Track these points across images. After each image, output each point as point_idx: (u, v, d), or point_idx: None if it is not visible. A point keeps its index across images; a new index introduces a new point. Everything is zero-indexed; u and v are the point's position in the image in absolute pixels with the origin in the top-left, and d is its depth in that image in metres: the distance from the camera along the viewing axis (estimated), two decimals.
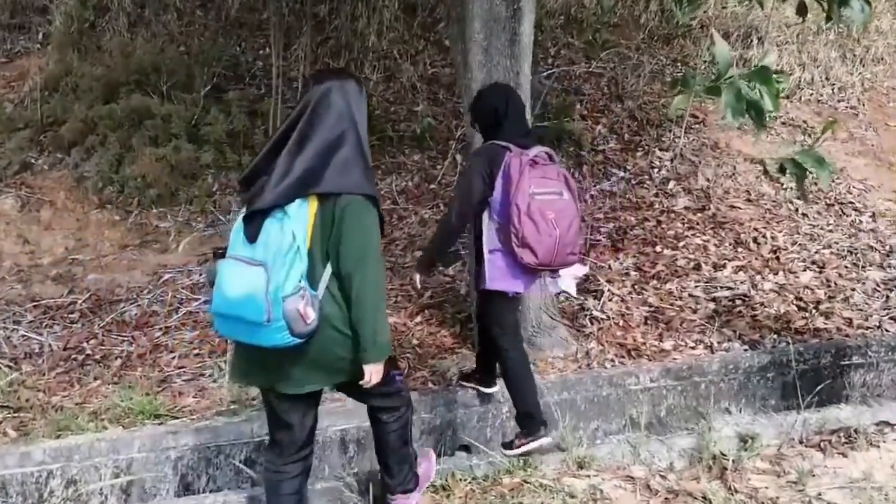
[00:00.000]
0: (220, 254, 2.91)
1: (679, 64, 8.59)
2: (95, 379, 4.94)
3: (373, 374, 2.89)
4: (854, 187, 7.14)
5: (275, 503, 3.04)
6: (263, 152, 2.88)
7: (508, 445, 3.80)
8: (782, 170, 3.65)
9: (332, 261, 2.82)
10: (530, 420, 3.80)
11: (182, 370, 4.98)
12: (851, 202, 6.91)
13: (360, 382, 2.90)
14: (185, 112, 7.28)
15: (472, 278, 4.45)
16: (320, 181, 2.78)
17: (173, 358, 5.12)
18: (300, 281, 2.69)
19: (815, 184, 6.49)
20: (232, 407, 4.40)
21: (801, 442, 3.73)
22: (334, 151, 2.82)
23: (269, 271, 2.64)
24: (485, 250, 3.77)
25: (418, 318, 5.41)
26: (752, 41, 8.73)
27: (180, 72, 7.66)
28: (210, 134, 7.08)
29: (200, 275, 6.07)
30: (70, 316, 5.75)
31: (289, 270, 2.66)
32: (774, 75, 3.54)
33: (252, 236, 2.73)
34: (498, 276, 3.75)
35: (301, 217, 2.74)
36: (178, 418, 4.36)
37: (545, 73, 7.88)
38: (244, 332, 2.75)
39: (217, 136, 7.08)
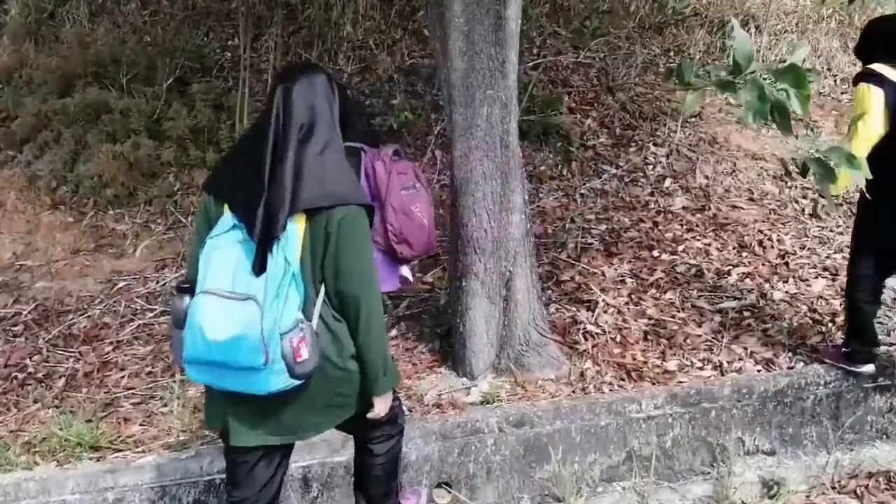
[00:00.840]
0: (185, 288, 2.53)
1: (672, 54, 8.14)
2: (35, 402, 4.45)
3: (381, 405, 2.68)
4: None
5: None
6: (247, 168, 2.49)
7: None
8: (805, 171, 3.17)
9: (329, 282, 2.50)
10: None
11: (131, 392, 4.47)
12: None
13: (369, 415, 2.68)
14: (146, 106, 6.74)
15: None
16: (311, 196, 2.45)
17: (122, 377, 4.62)
18: (298, 312, 2.39)
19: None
20: (181, 438, 3.89)
21: (833, 488, 3.26)
22: (322, 160, 2.50)
23: (263, 305, 2.30)
24: None
25: (393, 332, 4.91)
26: (749, 30, 8.28)
27: (141, 63, 7.12)
28: (172, 129, 6.54)
29: (157, 283, 5.57)
30: (14, 329, 5.24)
31: (285, 302, 2.35)
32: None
33: (260, 268, 2.36)
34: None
35: (291, 238, 2.41)
36: (120, 451, 3.86)
37: (530, 64, 7.40)
38: (232, 380, 2.39)
39: (179, 131, 6.55)
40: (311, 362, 2.38)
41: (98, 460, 3.78)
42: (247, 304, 2.29)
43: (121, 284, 5.58)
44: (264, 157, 2.44)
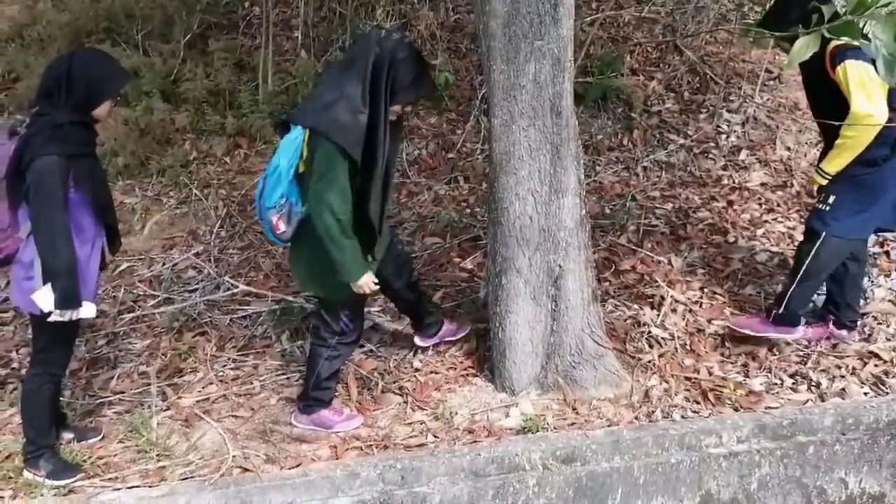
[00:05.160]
0: None
1: (746, 8, 7.24)
2: (11, 406, 3.86)
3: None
4: None
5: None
6: None
7: None
8: None
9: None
10: None
11: (118, 397, 3.87)
12: None
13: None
14: (161, 66, 6.12)
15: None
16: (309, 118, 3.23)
17: (111, 378, 4.02)
18: (281, 199, 3.23)
19: None
20: (160, 464, 3.27)
21: None
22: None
23: (265, 189, 3.27)
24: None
25: None
26: None
27: (157, 18, 6.49)
28: (189, 91, 5.93)
29: (163, 265, 4.95)
30: (2, 315, 4.67)
31: (273, 188, 3.22)
32: None
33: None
34: None
35: (286, 146, 3.21)
36: (88, 478, 3.26)
37: (588, 19, 6.59)
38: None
39: (197, 93, 5.93)
40: (287, 234, 3.28)
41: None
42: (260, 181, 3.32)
43: (123, 266, 4.99)
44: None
